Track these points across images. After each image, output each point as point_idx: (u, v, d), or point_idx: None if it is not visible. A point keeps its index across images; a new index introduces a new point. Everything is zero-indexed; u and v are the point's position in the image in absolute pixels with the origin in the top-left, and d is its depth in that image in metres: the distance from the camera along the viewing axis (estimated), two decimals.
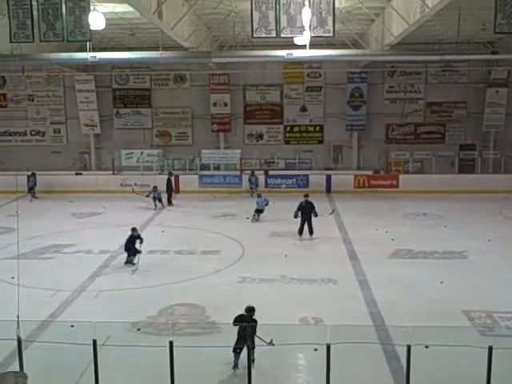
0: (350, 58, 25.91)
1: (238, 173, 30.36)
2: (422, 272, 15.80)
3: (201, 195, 28.42)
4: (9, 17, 16.00)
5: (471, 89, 32.65)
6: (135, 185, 29.13)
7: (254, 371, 8.73)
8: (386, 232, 20.25)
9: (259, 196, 23.28)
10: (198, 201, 27.10)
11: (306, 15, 15.67)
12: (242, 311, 10.25)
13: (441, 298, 13.54)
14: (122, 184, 29.57)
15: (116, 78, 33.97)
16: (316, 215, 19.77)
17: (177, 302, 13.43)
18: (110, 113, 34.32)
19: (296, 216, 19.72)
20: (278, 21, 15.97)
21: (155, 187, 25.12)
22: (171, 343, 8.59)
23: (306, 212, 19.69)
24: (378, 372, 9.94)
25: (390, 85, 33.12)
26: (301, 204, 19.82)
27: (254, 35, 16.25)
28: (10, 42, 16.43)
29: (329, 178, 29.45)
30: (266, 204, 22.59)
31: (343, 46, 27.55)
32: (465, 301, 13.35)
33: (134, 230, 16.97)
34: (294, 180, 29.52)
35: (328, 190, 29.06)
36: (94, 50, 22.15)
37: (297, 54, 21.10)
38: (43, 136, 34.77)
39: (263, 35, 16.23)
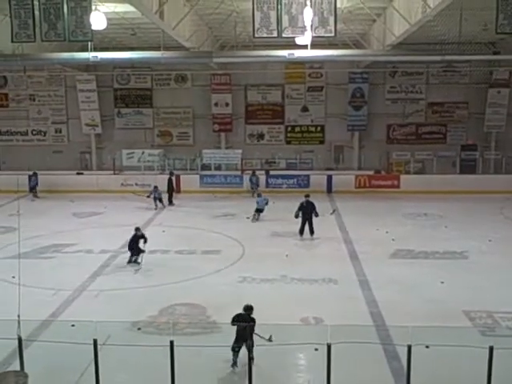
0: (352, 58, 25.91)
1: (238, 173, 30.37)
2: (422, 272, 15.80)
3: (202, 195, 28.43)
4: (10, 16, 16.04)
5: (473, 89, 32.64)
6: (136, 184, 29.21)
7: (254, 370, 8.71)
8: (387, 232, 20.24)
9: (259, 196, 23.31)
10: (199, 201, 27.11)
11: (308, 15, 15.68)
12: (242, 311, 10.27)
13: (441, 298, 13.53)
14: (122, 184, 29.61)
15: (117, 78, 33.98)
16: (317, 215, 19.77)
17: (177, 301, 13.43)
18: (112, 112, 34.33)
19: (297, 216, 19.72)
20: (279, 21, 15.99)
21: (156, 187, 25.13)
22: (172, 343, 8.59)
23: (307, 212, 19.68)
24: (379, 372, 9.94)
25: (392, 85, 33.11)
26: (302, 204, 19.82)
27: (256, 35, 16.28)
28: (12, 41, 16.48)
29: (330, 178, 29.44)
30: (266, 203, 22.60)
31: (345, 46, 27.53)
32: (465, 301, 13.35)
33: (137, 229, 16.99)
34: (295, 180, 29.51)
35: (329, 190, 29.05)
36: (95, 49, 22.17)
37: (298, 54, 21.10)
38: (44, 136, 34.78)
39: (265, 35, 16.26)
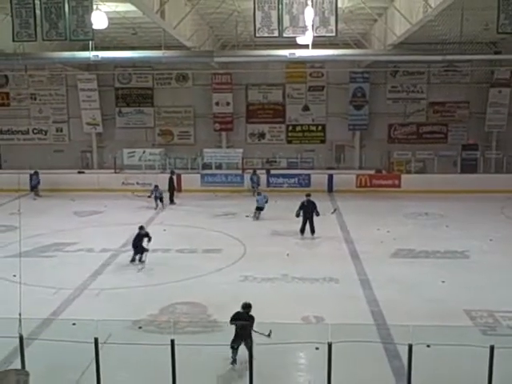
0: (353, 57, 25.89)
1: (239, 172, 30.37)
2: (423, 271, 15.80)
3: (203, 194, 28.43)
4: (12, 16, 16.03)
5: (474, 89, 32.62)
6: (137, 183, 29.23)
7: (254, 369, 8.72)
8: (388, 231, 20.25)
9: (259, 194, 23.38)
10: (200, 200, 27.11)
11: (309, 15, 15.68)
12: (243, 310, 10.31)
13: (442, 298, 13.54)
14: (123, 183, 29.62)
15: (118, 77, 33.99)
16: (318, 214, 19.76)
17: (178, 300, 13.45)
18: (113, 112, 34.33)
19: (298, 215, 19.73)
20: (280, 20, 15.98)
21: (156, 186, 25.12)
22: (173, 341, 8.61)
23: (308, 211, 19.68)
24: (380, 371, 9.94)
25: (393, 85, 33.09)
26: (303, 203, 19.82)
27: (257, 35, 16.27)
28: (13, 40, 16.46)
29: (331, 177, 29.44)
30: (266, 201, 22.63)
31: (346, 45, 27.52)
32: (466, 300, 13.35)
33: (141, 228, 17.03)
34: (296, 179, 29.52)
35: (330, 189, 29.04)
36: (96, 49, 22.17)
37: (299, 53, 21.11)
38: (45, 135, 34.80)
39: (266, 35, 16.25)
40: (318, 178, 29.34)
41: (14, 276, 13.49)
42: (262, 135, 34.01)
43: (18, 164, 31.95)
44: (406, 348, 8.50)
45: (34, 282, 13.91)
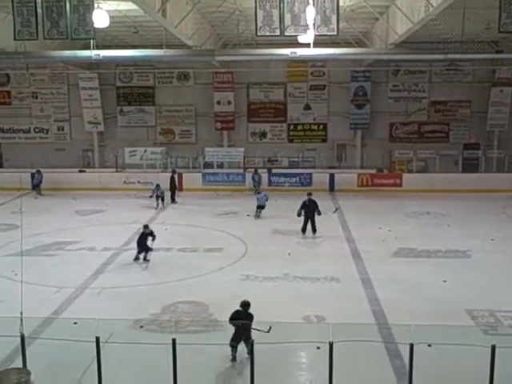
0: (354, 56, 25.88)
1: (241, 171, 30.36)
2: (425, 271, 15.80)
3: (204, 193, 28.43)
4: (13, 14, 16.06)
5: (475, 88, 32.58)
6: (138, 182, 29.24)
7: (255, 369, 8.72)
8: (389, 231, 20.23)
9: (259, 193, 23.46)
10: (202, 199, 27.11)
11: (310, 14, 15.67)
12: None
13: (444, 297, 13.53)
14: (125, 182, 29.63)
15: (120, 76, 33.98)
16: (319, 214, 19.74)
17: (180, 299, 13.45)
18: (114, 110, 34.33)
19: (299, 214, 19.72)
20: (282, 19, 15.97)
21: (158, 185, 25.08)
22: (174, 341, 8.61)
23: (310, 210, 19.67)
24: (381, 370, 9.95)
25: (394, 83, 33.06)
26: (304, 202, 19.81)
27: (258, 33, 16.26)
28: (15, 39, 16.49)
29: (332, 176, 29.43)
30: (266, 199, 22.68)
31: (347, 44, 27.51)
32: (468, 300, 13.35)
33: (145, 227, 17.09)
34: (298, 178, 29.51)
35: (331, 188, 29.03)
36: (97, 47, 22.13)
37: (301, 52, 21.09)
38: (47, 133, 34.81)
39: (267, 34, 16.24)
40: (320, 177, 29.33)
41: (16, 274, 13.54)
42: (263, 134, 33.99)
43: (19, 163, 32.09)
44: (408, 347, 8.49)
45: (35, 280, 13.94)
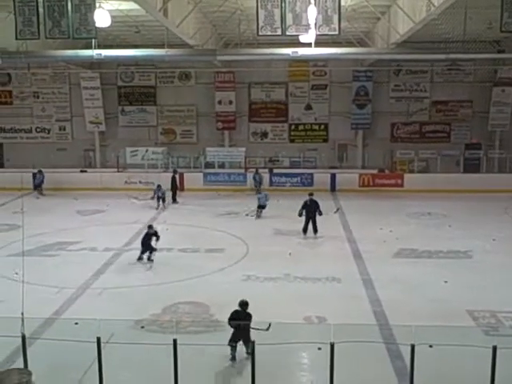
0: (356, 56, 25.89)
1: (242, 171, 30.36)
2: (426, 271, 15.78)
3: (205, 193, 28.42)
4: (15, 14, 16.05)
5: (477, 88, 32.54)
6: (140, 182, 29.25)
7: (256, 369, 8.71)
8: (391, 231, 20.21)
9: (260, 193, 23.54)
10: (203, 199, 27.10)
11: (312, 13, 15.65)
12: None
13: (445, 298, 13.51)
14: (126, 182, 29.63)
15: (121, 76, 33.99)
16: (321, 214, 19.74)
17: (181, 299, 13.45)
18: (115, 110, 34.35)
19: (300, 215, 19.70)
20: (283, 19, 15.95)
21: (159, 186, 25.05)
22: (175, 341, 8.60)
23: (311, 211, 19.66)
24: (382, 371, 9.93)
25: (396, 83, 33.03)
26: (305, 202, 19.79)
27: (260, 33, 16.24)
28: (16, 38, 16.48)
29: (333, 176, 29.43)
30: (267, 199, 22.75)
31: (349, 44, 27.50)
32: (469, 300, 13.33)
33: (150, 227, 17.11)
34: (299, 178, 29.50)
35: (333, 188, 29.02)
36: (99, 47, 22.11)
37: (302, 52, 21.07)
38: (48, 133, 34.83)
39: (269, 33, 16.22)
40: (321, 177, 29.32)
41: (16, 274, 13.54)
42: (264, 134, 33.98)
43: (20, 163, 32.10)
44: (409, 348, 8.48)
45: (36, 281, 13.94)
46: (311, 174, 29.54)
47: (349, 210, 23.70)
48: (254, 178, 28.35)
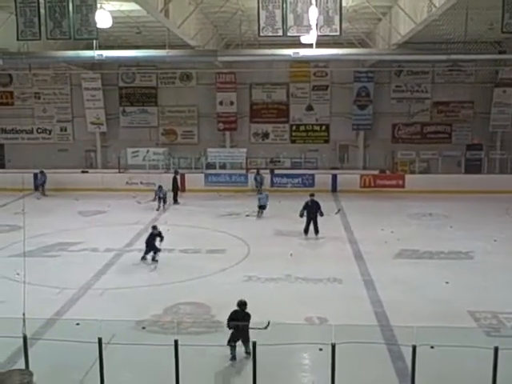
0: (357, 57, 25.86)
1: (243, 172, 30.35)
2: (427, 272, 15.77)
3: (206, 194, 28.42)
4: (16, 14, 16.06)
5: (478, 88, 32.54)
6: (141, 183, 29.26)
7: (258, 370, 8.71)
8: (392, 232, 20.20)
9: (260, 193, 23.60)
10: (204, 200, 27.10)
11: (313, 14, 15.64)
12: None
13: (446, 299, 13.50)
14: (127, 182, 29.63)
15: (122, 76, 34.01)
16: (322, 215, 19.74)
17: (182, 300, 13.45)
18: (117, 111, 34.37)
19: (302, 215, 19.69)
20: (284, 19, 15.96)
21: (160, 187, 25.03)
22: (176, 342, 8.60)
23: (312, 211, 19.65)
24: (383, 372, 9.93)
25: (397, 84, 33.03)
26: (306, 203, 19.79)
27: (261, 34, 16.24)
28: (17, 39, 16.49)
29: (335, 177, 29.42)
30: (267, 199, 22.77)
31: (350, 45, 27.50)
32: (470, 301, 13.32)
33: (154, 227, 17.09)
34: (300, 179, 29.49)
35: (334, 189, 29.02)
36: (100, 48, 22.15)
37: (303, 52, 21.08)
38: (50, 134, 34.85)
39: (270, 34, 16.22)
40: (322, 177, 29.31)
41: (18, 274, 13.55)
42: (265, 135, 33.98)
43: (22, 163, 32.13)
44: (410, 349, 8.48)
45: (37, 281, 13.94)
46: (312, 175, 29.54)
47: (350, 211, 23.69)
48: (255, 178, 28.35)
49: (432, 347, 9.64)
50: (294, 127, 33.85)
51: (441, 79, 32.79)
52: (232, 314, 10.36)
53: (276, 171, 30.55)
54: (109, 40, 27.40)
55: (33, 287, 12.65)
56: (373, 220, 22.20)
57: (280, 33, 16.10)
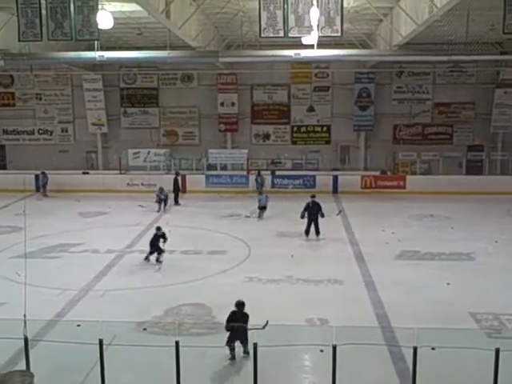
0: (358, 58, 25.86)
1: (244, 173, 30.35)
2: (428, 273, 15.76)
3: (207, 195, 28.42)
4: (17, 15, 16.08)
5: (479, 89, 32.53)
6: (142, 184, 29.28)
7: (258, 371, 8.70)
8: (393, 233, 20.20)
9: (261, 194, 23.71)
10: (205, 201, 27.09)
11: (314, 15, 15.65)
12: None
13: (447, 300, 13.48)
14: (128, 184, 29.64)
15: (124, 77, 34.03)
16: (323, 216, 19.73)
17: (183, 301, 13.44)
18: (118, 112, 34.38)
19: (303, 216, 19.67)
20: (285, 20, 15.97)
21: (161, 188, 24.99)
22: (177, 343, 8.59)
23: (313, 212, 19.64)
24: (384, 374, 9.91)
25: (398, 85, 33.03)
26: (307, 204, 19.78)
27: (262, 35, 16.25)
28: (19, 40, 16.52)
29: (336, 178, 29.40)
30: (267, 200, 22.80)
31: (351, 45, 27.49)
32: (471, 303, 13.31)
33: (158, 228, 17.08)
34: (301, 180, 29.48)
35: (335, 190, 29.01)
36: (101, 49, 22.20)
37: (304, 53, 21.08)
38: (51, 135, 34.87)
39: (271, 35, 16.23)
40: (323, 179, 29.30)
41: (19, 275, 13.52)
42: (266, 136, 33.99)
43: (23, 164, 32.14)
44: (411, 350, 8.46)
45: (38, 283, 13.90)
46: (313, 176, 29.52)
47: (351, 212, 23.67)
48: (256, 179, 28.36)
49: (433, 348, 9.64)
50: (295, 128, 33.85)
51: (442, 80, 32.78)
52: (230, 314, 10.37)
53: (277, 172, 30.58)
54: (110, 41, 27.43)
55: (34, 288, 12.63)
56: (374, 221, 22.19)
57: (281, 34, 16.11)
